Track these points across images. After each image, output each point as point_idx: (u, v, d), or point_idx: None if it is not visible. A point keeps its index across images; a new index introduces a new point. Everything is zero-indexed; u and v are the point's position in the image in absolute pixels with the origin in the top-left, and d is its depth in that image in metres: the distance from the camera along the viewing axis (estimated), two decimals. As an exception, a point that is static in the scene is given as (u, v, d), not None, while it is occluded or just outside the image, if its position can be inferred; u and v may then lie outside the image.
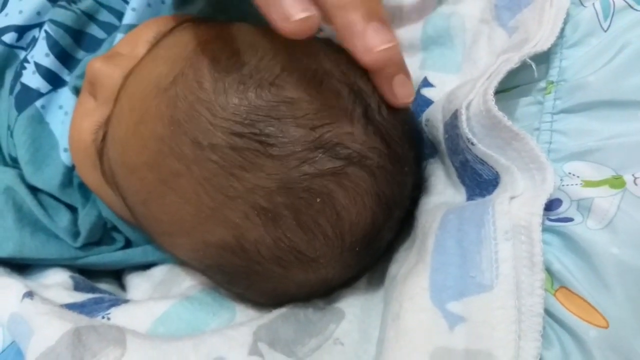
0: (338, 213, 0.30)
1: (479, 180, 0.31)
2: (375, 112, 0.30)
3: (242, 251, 0.30)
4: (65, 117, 0.42)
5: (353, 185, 0.29)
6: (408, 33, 0.41)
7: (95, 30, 0.44)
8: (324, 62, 0.30)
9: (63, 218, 0.41)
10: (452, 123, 0.31)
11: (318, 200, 0.29)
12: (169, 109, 0.29)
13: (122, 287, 0.44)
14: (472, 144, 0.30)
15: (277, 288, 0.33)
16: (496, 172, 0.29)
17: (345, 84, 0.30)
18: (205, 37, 0.31)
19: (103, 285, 0.43)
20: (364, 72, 0.30)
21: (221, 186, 0.28)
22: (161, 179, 0.30)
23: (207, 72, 0.29)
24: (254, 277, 0.32)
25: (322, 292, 0.35)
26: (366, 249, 0.32)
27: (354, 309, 0.34)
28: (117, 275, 0.45)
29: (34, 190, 0.41)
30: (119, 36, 0.42)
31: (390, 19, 0.43)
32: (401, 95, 0.30)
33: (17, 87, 0.41)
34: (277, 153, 0.28)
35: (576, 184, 0.28)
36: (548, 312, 0.26)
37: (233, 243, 0.30)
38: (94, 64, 0.35)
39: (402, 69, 0.30)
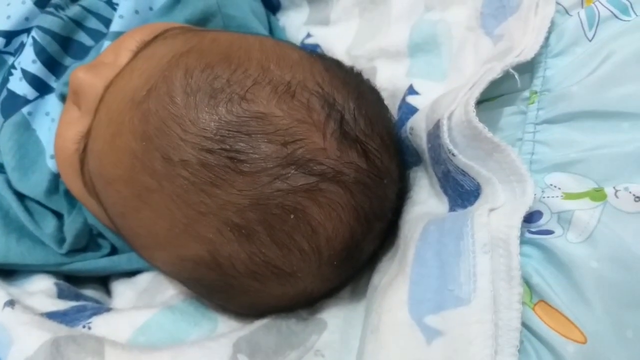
0: (314, 228, 0.29)
1: (461, 191, 0.30)
2: (351, 125, 0.30)
3: (217, 266, 0.30)
4: (52, 124, 0.41)
5: (328, 201, 0.29)
6: (396, 39, 0.41)
7: (82, 37, 0.44)
8: (298, 73, 0.30)
9: (49, 224, 0.41)
10: (435, 133, 0.31)
11: (292, 216, 0.28)
12: (142, 124, 0.29)
13: (109, 292, 0.44)
14: (453, 154, 0.29)
15: (255, 301, 0.33)
16: (477, 183, 0.29)
17: (319, 96, 0.30)
18: (181, 49, 0.31)
19: (89, 292, 0.43)
20: (340, 82, 0.30)
21: (193, 202, 0.28)
22: (135, 193, 0.30)
23: (179, 86, 0.29)
24: (231, 291, 0.32)
25: (304, 303, 0.35)
26: (346, 262, 0.32)
27: (337, 320, 0.33)
28: (103, 281, 0.45)
29: (20, 196, 0.41)
30: (106, 43, 0.42)
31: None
32: None
33: (4, 93, 0.41)
34: (248, 169, 0.28)
35: (557, 196, 0.28)
36: (526, 327, 0.25)
37: (208, 258, 0.30)
38: (77, 73, 0.35)
39: None
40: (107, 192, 0.32)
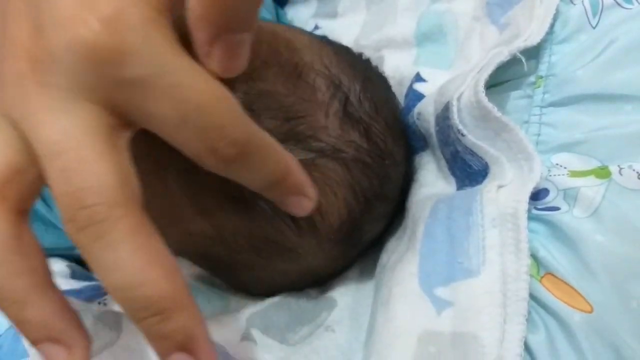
0: None
1: (469, 171, 0.31)
2: (355, 106, 0.31)
3: (222, 242, 0.30)
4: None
5: (322, 177, 0.30)
6: (402, 29, 0.42)
7: None
8: (306, 55, 0.31)
9: None
10: (443, 115, 0.32)
11: None
12: None
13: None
14: (462, 134, 0.30)
15: (261, 277, 0.33)
16: (485, 162, 0.30)
17: (325, 77, 0.30)
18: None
19: (100, 276, 0.43)
20: (348, 65, 0.31)
21: (196, 177, 0.29)
22: (146, 170, 0.30)
23: None
24: (238, 267, 0.33)
25: (312, 281, 0.35)
26: (346, 239, 0.32)
27: (346, 298, 0.34)
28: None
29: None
30: None
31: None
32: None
33: None
34: None
35: (563, 174, 0.29)
36: (534, 298, 0.26)
37: (213, 233, 0.30)
38: None
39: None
40: None
